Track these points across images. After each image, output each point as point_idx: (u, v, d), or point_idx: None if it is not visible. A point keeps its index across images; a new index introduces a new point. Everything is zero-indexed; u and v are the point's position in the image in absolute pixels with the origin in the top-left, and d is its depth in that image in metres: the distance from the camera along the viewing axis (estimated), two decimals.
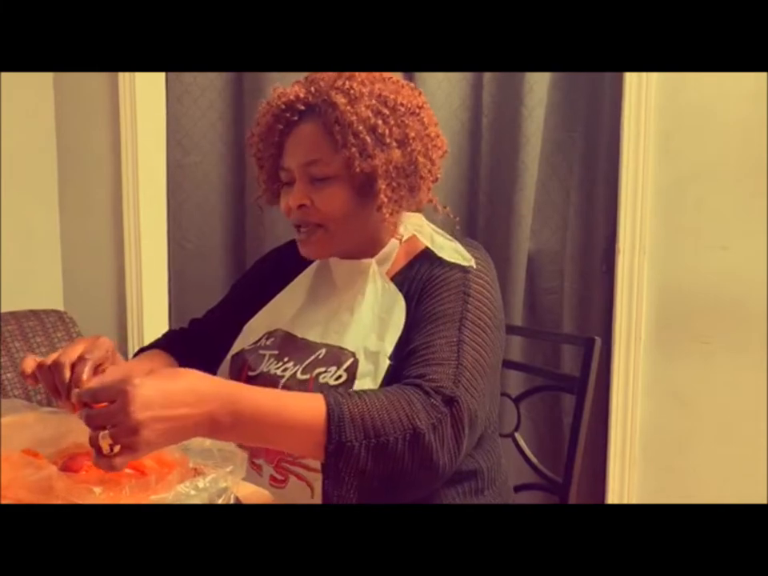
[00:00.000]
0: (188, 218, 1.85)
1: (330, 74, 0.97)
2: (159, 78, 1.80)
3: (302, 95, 0.96)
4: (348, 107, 0.93)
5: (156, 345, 1.15)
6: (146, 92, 1.79)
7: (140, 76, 1.77)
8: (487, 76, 1.76)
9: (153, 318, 1.86)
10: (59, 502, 0.66)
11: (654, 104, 1.64)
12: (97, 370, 0.87)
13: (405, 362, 0.88)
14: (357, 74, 0.96)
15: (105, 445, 0.66)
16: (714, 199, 1.62)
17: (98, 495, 0.68)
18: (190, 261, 1.86)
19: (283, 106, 0.97)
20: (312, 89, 0.96)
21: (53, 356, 0.87)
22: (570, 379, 1.17)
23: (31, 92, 1.87)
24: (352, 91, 0.94)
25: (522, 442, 1.25)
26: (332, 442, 0.75)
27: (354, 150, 0.93)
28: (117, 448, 0.66)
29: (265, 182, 1.06)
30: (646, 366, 1.71)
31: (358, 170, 0.93)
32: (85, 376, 0.83)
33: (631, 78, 1.63)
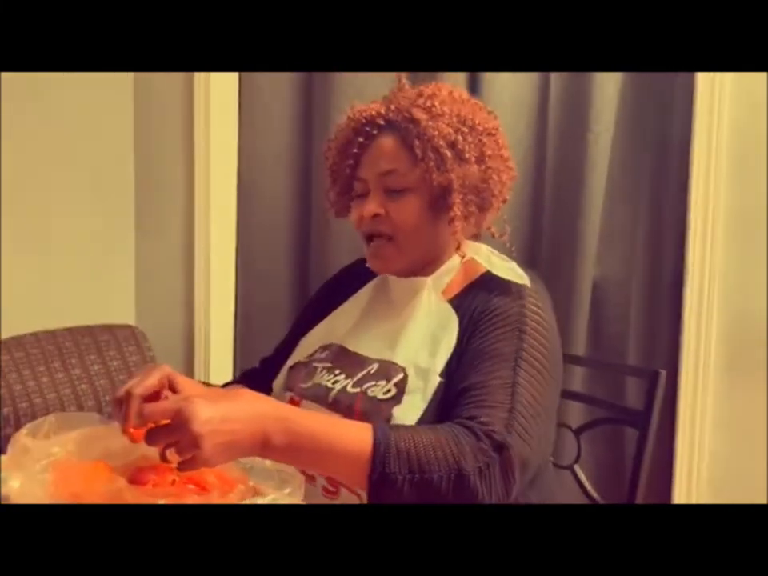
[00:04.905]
0: (257, 239, 1.89)
1: (410, 93, 1.01)
2: (235, 94, 1.83)
3: (382, 111, 0.99)
4: (429, 122, 0.96)
5: (231, 383, 1.18)
6: (219, 114, 1.83)
7: (215, 93, 1.80)
8: (552, 102, 1.74)
9: (219, 333, 1.91)
10: None
11: (726, 125, 1.59)
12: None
13: (457, 400, 0.87)
14: (437, 93, 0.99)
15: (173, 459, 0.70)
16: None
17: None
18: (256, 281, 1.90)
19: (364, 120, 1.00)
20: (392, 106, 0.99)
21: (125, 387, 0.85)
22: (634, 413, 1.14)
23: (111, 105, 1.93)
24: (434, 109, 0.97)
25: (581, 475, 1.22)
26: (376, 472, 0.77)
27: (431, 163, 0.95)
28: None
29: (337, 195, 1.08)
30: (714, 398, 1.64)
31: (435, 182, 0.96)
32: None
33: (703, 97, 1.60)
